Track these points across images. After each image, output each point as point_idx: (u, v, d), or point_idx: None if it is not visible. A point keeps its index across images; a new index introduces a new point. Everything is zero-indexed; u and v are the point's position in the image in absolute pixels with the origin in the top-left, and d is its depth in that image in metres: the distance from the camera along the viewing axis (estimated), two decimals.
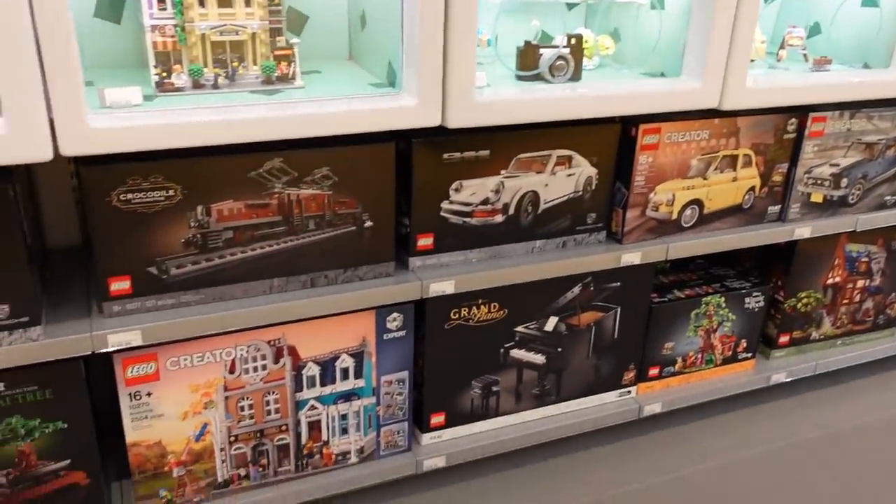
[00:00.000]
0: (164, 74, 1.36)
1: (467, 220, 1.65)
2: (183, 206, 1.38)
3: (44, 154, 1.14)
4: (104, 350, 1.39)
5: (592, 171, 1.74)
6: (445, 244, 1.65)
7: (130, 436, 1.52)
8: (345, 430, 1.73)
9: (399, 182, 1.56)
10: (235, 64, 1.41)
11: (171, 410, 1.53)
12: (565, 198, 1.74)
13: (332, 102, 1.38)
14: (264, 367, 1.58)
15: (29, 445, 1.43)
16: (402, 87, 1.41)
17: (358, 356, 1.66)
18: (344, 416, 1.72)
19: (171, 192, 1.36)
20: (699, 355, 2.12)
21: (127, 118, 1.19)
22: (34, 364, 1.36)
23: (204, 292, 1.47)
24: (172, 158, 1.34)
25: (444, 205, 1.62)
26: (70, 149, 1.15)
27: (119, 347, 1.40)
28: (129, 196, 1.33)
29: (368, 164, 1.50)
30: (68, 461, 1.48)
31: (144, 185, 1.34)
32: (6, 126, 1.10)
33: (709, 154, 1.84)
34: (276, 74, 1.43)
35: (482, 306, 1.74)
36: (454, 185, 1.61)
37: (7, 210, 1.23)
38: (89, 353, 1.38)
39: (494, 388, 1.87)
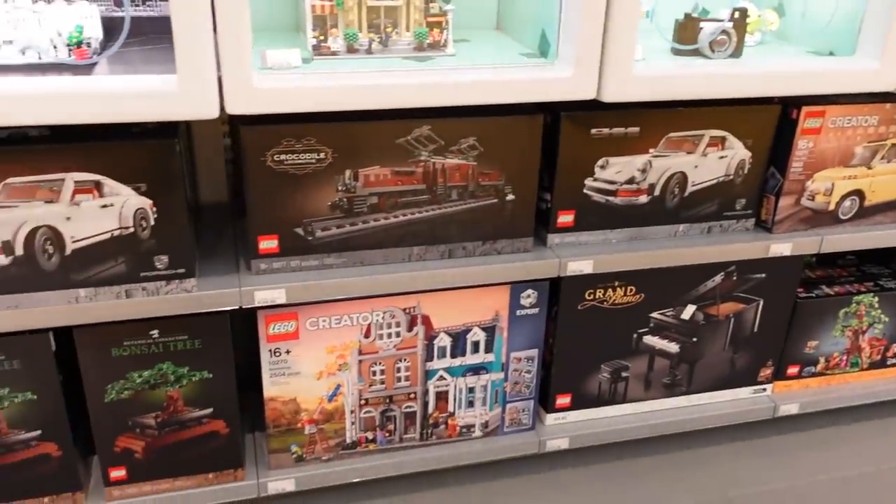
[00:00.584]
0: (321, 38, 1.37)
1: (610, 198, 1.60)
2: (332, 169, 1.39)
3: (211, 111, 1.17)
4: (250, 306, 1.43)
5: (746, 155, 1.65)
6: (586, 222, 1.61)
7: (268, 391, 1.56)
8: (471, 404, 1.73)
9: (543, 156, 1.52)
10: (389, 29, 1.41)
11: (307, 369, 1.57)
12: (714, 181, 1.66)
13: (484, 71, 1.35)
14: (398, 335, 1.59)
15: (177, 391, 1.50)
16: (557, 57, 1.37)
17: (490, 330, 1.65)
18: (471, 390, 1.71)
19: (321, 155, 1.38)
20: (844, 357, 1.99)
21: (287, 79, 1.21)
22: (186, 314, 1.42)
23: (346, 256, 1.48)
24: (324, 122, 1.36)
25: (588, 182, 1.57)
26: (235, 107, 1.18)
27: (264, 304, 1.44)
28: (283, 157, 1.36)
29: (515, 136, 1.47)
30: (210, 410, 1.54)
31: (297, 147, 1.36)
32: (179, 83, 1.14)
33: (876, 142, 1.70)
34: (427, 41, 1.42)
35: (618, 289, 1.69)
36: (600, 162, 1.56)
37: (173, 164, 1.28)
38: (237, 307, 1.42)
39: (623, 374, 1.82)
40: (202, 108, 1.16)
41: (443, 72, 1.35)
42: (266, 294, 1.43)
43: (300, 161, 1.37)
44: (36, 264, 1.28)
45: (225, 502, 1.64)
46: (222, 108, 1.18)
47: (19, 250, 1.26)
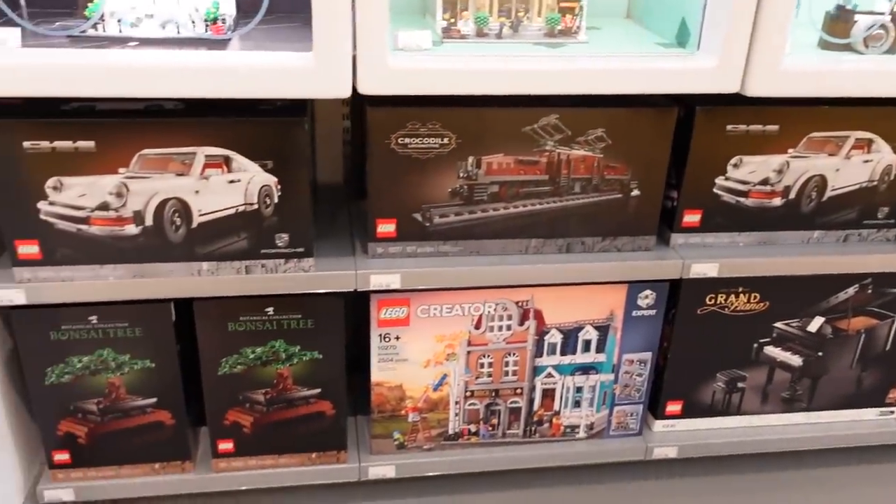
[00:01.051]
0: (451, 21, 1.34)
1: (741, 199, 1.51)
2: (455, 155, 1.36)
3: (344, 90, 1.15)
4: (364, 289, 1.42)
5: (893, 159, 1.53)
6: (713, 223, 1.53)
7: (375, 375, 1.55)
8: (577, 404, 1.68)
9: (672, 151, 1.45)
10: (521, 14, 1.36)
11: (415, 357, 1.55)
12: (856, 186, 1.54)
13: (618, 59, 1.29)
14: (509, 328, 1.55)
15: (287, 370, 1.50)
16: (699, 47, 1.29)
17: (603, 330, 1.59)
18: (579, 389, 1.66)
19: (445, 140, 1.35)
20: None
21: (419, 61, 1.19)
22: (301, 294, 1.42)
23: (462, 244, 1.45)
24: (449, 106, 1.32)
25: (719, 181, 1.49)
26: (368, 87, 1.16)
27: (378, 289, 1.43)
28: (407, 140, 1.34)
29: (645, 129, 1.40)
30: (318, 390, 1.54)
31: (422, 131, 1.33)
32: (314, 60, 1.13)
33: None
34: (559, 27, 1.37)
35: (742, 295, 1.60)
36: (733, 161, 1.47)
37: (300, 143, 1.28)
38: (352, 290, 1.42)
39: (740, 385, 1.72)
40: (336, 87, 1.15)
41: (576, 59, 1.29)
42: (381, 278, 1.41)
43: (424, 145, 1.35)
44: (163, 235, 1.30)
45: (325, 483, 1.64)
46: (353, 88, 1.16)
47: (149, 221, 1.29)
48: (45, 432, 1.49)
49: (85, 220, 1.27)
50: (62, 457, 1.52)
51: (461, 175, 1.39)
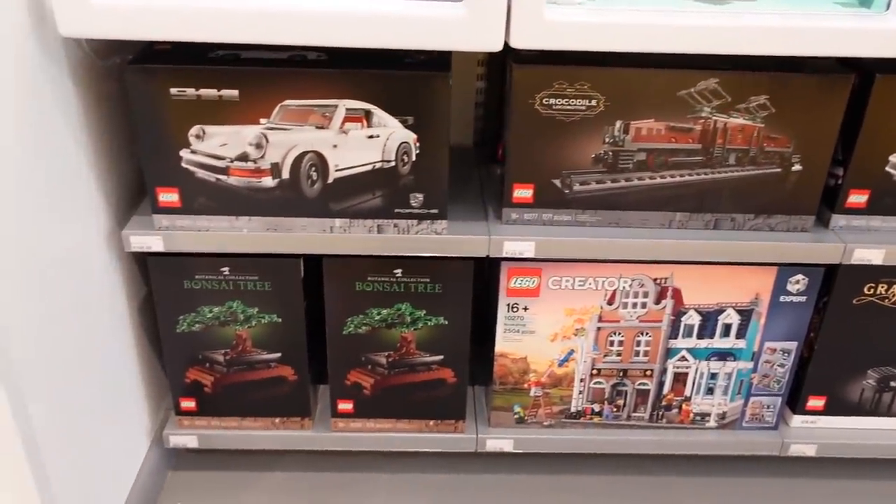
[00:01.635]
0: None
1: None
2: (602, 119, 1.28)
3: (495, 43, 1.09)
4: (496, 256, 1.37)
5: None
6: (882, 205, 1.39)
7: (500, 346, 1.50)
8: (710, 391, 1.58)
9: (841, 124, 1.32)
10: None
11: (542, 329, 1.49)
12: None
13: (792, 18, 1.17)
14: (644, 306, 1.47)
15: (411, 334, 1.47)
16: (888, 7, 1.16)
17: (745, 314, 1.48)
18: (713, 376, 1.56)
19: (593, 102, 1.26)
20: None
21: (575, 14, 1.10)
22: (430, 257, 1.38)
23: (601, 214, 1.37)
24: (599, 65, 1.24)
25: (893, 158, 1.34)
26: (522, 40, 1.09)
27: (511, 256, 1.37)
28: (552, 101, 1.26)
29: (815, 98, 1.27)
30: (441, 357, 1.50)
31: (569, 92, 1.26)
32: (465, 12, 1.06)
33: None
34: None
35: None
36: None
37: (443, 100, 1.22)
38: (484, 256, 1.36)
39: (893, 384, 1.58)
40: (487, 39, 1.08)
41: (742, 16, 1.18)
42: (515, 245, 1.35)
43: (570, 107, 1.27)
44: (299, 189, 1.28)
45: (441, 451, 1.61)
46: (507, 42, 1.09)
47: (286, 174, 1.27)
48: (173, 379, 1.52)
49: (224, 171, 1.26)
50: (188, 404, 1.54)
51: (607, 140, 1.30)
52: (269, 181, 1.27)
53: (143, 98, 1.20)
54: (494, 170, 1.56)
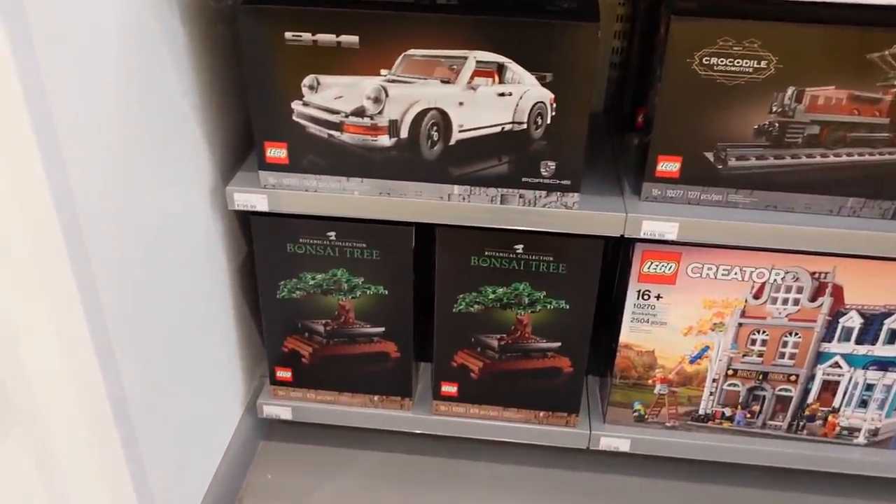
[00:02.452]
0: None
1: None
2: (771, 83, 1.10)
3: None
4: (633, 236, 1.21)
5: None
6: None
7: (626, 336, 1.35)
8: (863, 403, 1.38)
9: None
10: None
11: (675, 322, 1.32)
12: None
13: None
14: (796, 302, 1.28)
15: (528, 316, 1.34)
16: None
17: None
18: (870, 387, 1.36)
19: (762, 64, 1.08)
20: None
21: None
22: (557, 234, 1.23)
23: (758, 195, 1.19)
24: (774, 20, 1.06)
25: None
26: None
27: (649, 237, 1.21)
28: (714, 61, 1.09)
29: None
30: (559, 344, 1.36)
31: (735, 50, 1.08)
32: None
33: None
34: None
35: None
36: None
37: (588, 54, 1.07)
38: (618, 235, 1.21)
39: None
40: None
41: None
42: (656, 226, 1.19)
43: (734, 68, 1.09)
44: (417, 151, 1.15)
45: (548, 445, 1.48)
46: None
47: (404, 132, 1.14)
48: (270, 347, 1.43)
49: (338, 126, 1.15)
50: (284, 374, 1.46)
51: (774, 109, 1.12)
52: (385, 140, 1.15)
53: (256, 42, 1.09)
54: (630, 139, 1.39)
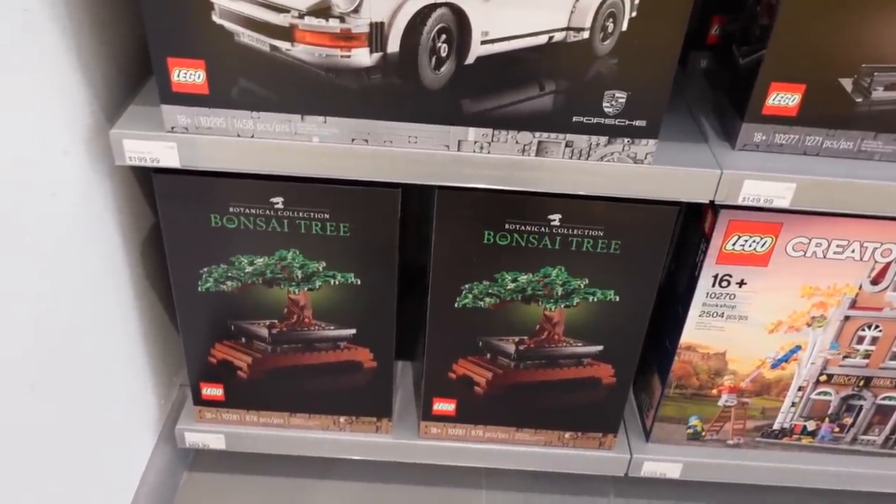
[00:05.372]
0: None
1: None
2: None
3: None
4: (728, 202, 0.82)
5: None
6: None
7: (689, 335, 0.98)
8: None
9: None
10: None
11: (759, 316, 0.96)
12: None
13: None
14: None
15: (559, 313, 0.96)
16: None
17: None
18: None
19: None
20: None
21: None
22: (611, 198, 0.84)
23: None
24: None
25: None
26: None
27: (750, 204, 0.82)
28: None
29: None
30: (600, 348, 0.99)
31: None
32: None
33: None
34: None
35: None
36: None
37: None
38: (707, 200, 0.82)
39: None
40: None
41: None
42: (763, 188, 0.81)
43: None
44: (414, 74, 0.73)
45: (576, 473, 1.12)
46: None
47: (393, 44, 0.71)
48: (192, 357, 1.01)
49: (286, 33, 0.71)
50: (213, 391, 1.04)
51: None
52: (363, 56, 0.72)
53: None
54: (696, 60, 0.99)
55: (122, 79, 0.88)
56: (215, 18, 0.71)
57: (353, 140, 0.79)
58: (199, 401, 1.06)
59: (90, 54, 0.82)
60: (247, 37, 0.72)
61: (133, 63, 0.90)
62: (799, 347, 1.00)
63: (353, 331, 0.98)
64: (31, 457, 0.77)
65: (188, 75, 0.75)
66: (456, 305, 0.95)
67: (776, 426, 1.09)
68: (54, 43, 0.75)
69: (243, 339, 0.99)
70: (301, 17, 0.71)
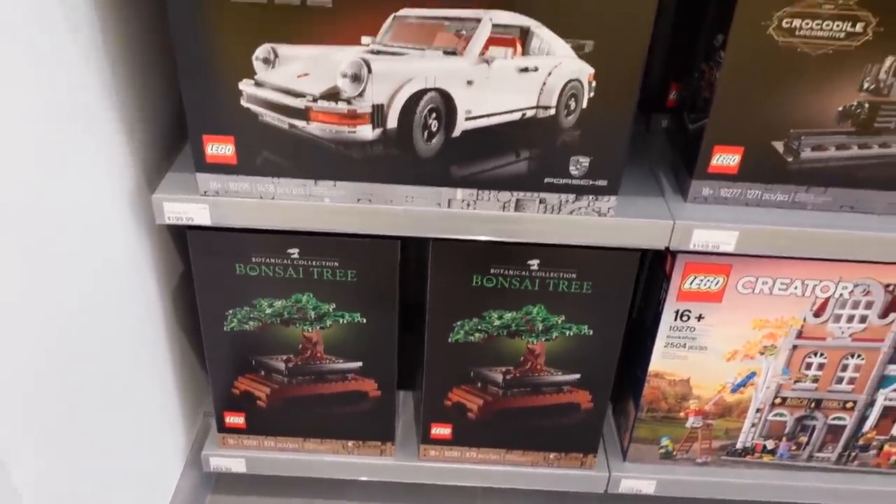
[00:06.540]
0: None
1: None
2: (866, 52, 0.86)
3: None
4: (681, 248, 0.96)
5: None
6: None
7: (657, 363, 1.11)
8: None
9: None
10: None
11: (718, 345, 1.09)
12: None
13: None
14: (863, 320, 1.06)
15: (541, 345, 1.09)
16: None
17: None
18: None
19: (857, 27, 0.84)
20: None
21: None
22: (582, 246, 0.97)
23: (832, 194, 0.96)
24: None
25: None
26: None
27: (701, 249, 0.96)
28: (797, 23, 0.84)
29: None
30: (577, 376, 1.11)
31: (825, 10, 0.83)
32: None
33: None
34: None
35: None
36: None
37: (643, 15, 0.80)
38: (663, 247, 0.96)
39: None
40: None
41: None
42: (709, 235, 0.95)
43: (822, 33, 0.84)
44: (409, 145, 0.87)
45: (555, 490, 1.24)
46: None
47: (392, 121, 0.85)
48: (217, 389, 1.14)
49: (303, 113, 0.85)
50: (236, 420, 1.17)
51: (866, 87, 0.88)
52: (366, 131, 0.86)
53: (188, 0, 0.79)
54: (658, 121, 1.14)
55: (159, 148, 1.03)
56: (243, 103, 0.86)
57: (358, 200, 0.93)
58: (223, 428, 1.19)
59: (135, 129, 0.96)
60: (269, 117, 0.87)
61: (168, 135, 1.05)
62: (754, 373, 1.13)
63: (360, 363, 1.11)
64: (71, 480, 0.90)
65: (220, 149, 0.89)
66: (449, 340, 1.08)
67: (739, 445, 1.21)
68: (107, 119, 0.90)
69: (263, 372, 1.12)
70: (315, 100, 0.85)
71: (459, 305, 1.05)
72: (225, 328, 1.07)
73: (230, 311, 1.06)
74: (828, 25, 0.84)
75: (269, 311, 1.05)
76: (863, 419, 1.17)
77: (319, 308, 1.05)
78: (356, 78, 0.83)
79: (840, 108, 0.90)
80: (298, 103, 0.85)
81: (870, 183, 0.95)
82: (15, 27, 0.70)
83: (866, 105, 0.89)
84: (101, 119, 0.88)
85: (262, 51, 0.82)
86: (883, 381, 1.13)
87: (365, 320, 1.06)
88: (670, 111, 1.12)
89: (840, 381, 1.13)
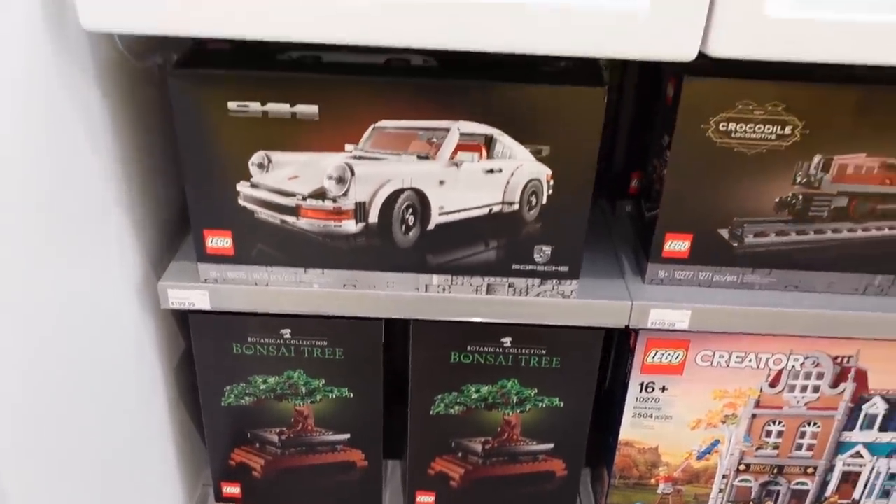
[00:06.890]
0: None
1: None
2: (796, 151, 0.96)
3: (685, 50, 0.77)
4: (640, 327, 1.05)
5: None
6: None
7: (626, 433, 1.18)
8: (886, 494, 1.25)
9: None
10: None
11: (682, 415, 1.16)
12: None
13: None
14: (816, 389, 1.14)
15: (516, 417, 1.16)
16: None
17: None
18: (893, 476, 1.23)
19: (787, 130, 0.94)
20: None
21: (814, 8, 0.77)
22: (549, 326, 1.06)
23: (777, 275, 1.05)
24: (801, 81, 0.92)
25: None
26: (726, 46, 0.77)
27: (658, 327, 1.05)
28: (732, 127, 0.94)
29: None
30: (551, 445, 1.19)
31: (756, 115, 0.93)
32: (647, 4, 0.74)
33: None
34: None
35: None
36: None
37: (592, 123, 0.91)
38: (623, 326, 1.04)
39: None
40: (676, 43, 0.77)
41: None
42: (665, 314, 1.03)
43: (755, 135, 0.95)
44: (389, 237, 0.97)
45: None
46: (706, 46, 0.77)
47: (373, 217, 0.95)
48: (215, 460, 1.21)
49: (293, 211, 0.96)
50: (232, 489, 1.24)
51: (798, 180, 0.98)
52: (350, 226, 0.96)
53: (191, 112, 0.90)
54: (622, 206, 1.24)
55: (164, 240, 1.13)
56: (240, 202, 0.96)
57: (344, 286, 1.02)
58: (220, 497, 1.26)
59: (144, 224, 1.06)
60: (263, 214, 0.97)
61: (175, 226, 1.15)
62: (718, 441, 1.20)
63: (348, 435, 1.19)
64: None
65: (219, 241, 0.99)
66: (431, 413, 1.16)
67: None
68: (119, 213, 1.00)
69: (258, 445, 1.20)
70: (304, 199, 0.95)
71: (440, 380, 1.13)
72: (223, 403, 1.15)
73: (227, 388, 1.14)
74: (759, 129, 0.95)
75: (263, 387, 1.14)
76: (824, 484, 1.24)
77: (310, 384, 1.13)
78: (341, 180, 0.93)
79: (777, 199, 1.00)
80: (289, 202, 0.95)
81: (809, 265, 1.05)
82: (45, 141, 0.81)
83: (800, 196, 1.00)
84: (114, 213, 0.98)
85: (257, 157, 0.93)
86: (840, 447, 1.20)
87: (352, 395, 1.14)
88: (632, 197, 1.22)
89: (800, 447, 1.20)
